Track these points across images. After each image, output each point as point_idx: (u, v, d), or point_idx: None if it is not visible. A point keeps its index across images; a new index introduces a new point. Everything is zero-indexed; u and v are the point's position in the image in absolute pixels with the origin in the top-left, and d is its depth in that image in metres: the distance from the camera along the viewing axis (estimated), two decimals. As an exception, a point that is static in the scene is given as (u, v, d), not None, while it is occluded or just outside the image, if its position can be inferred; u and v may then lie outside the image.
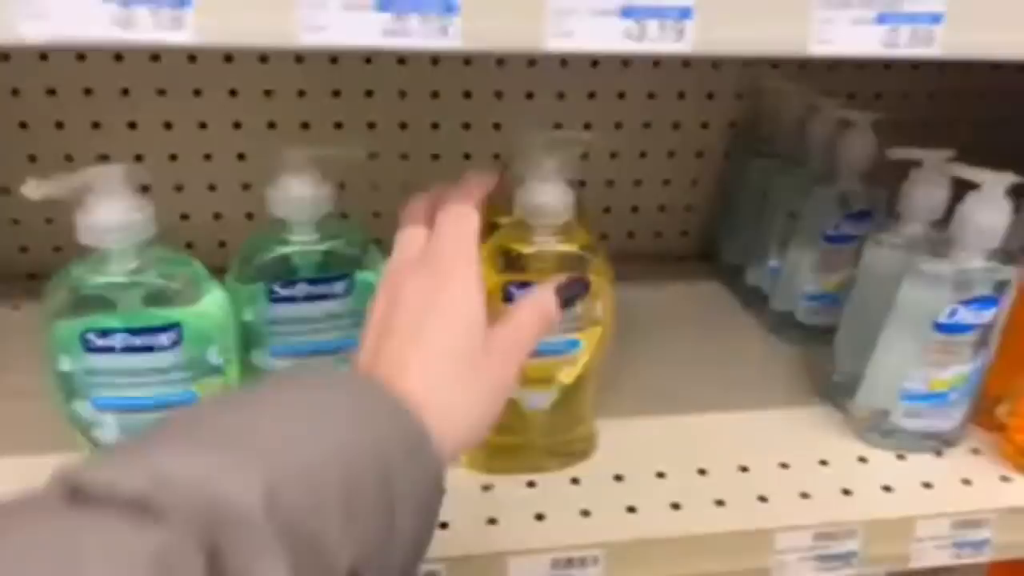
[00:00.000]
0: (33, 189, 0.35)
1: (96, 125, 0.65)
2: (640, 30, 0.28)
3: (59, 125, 0.65)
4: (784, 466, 0.52)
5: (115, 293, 0.38)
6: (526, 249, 0.44)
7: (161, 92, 0.64)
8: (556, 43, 0.27)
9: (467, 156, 0.69)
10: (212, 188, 0.69)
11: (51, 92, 0.64)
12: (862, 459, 0.53)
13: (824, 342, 0.59)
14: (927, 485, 0.51)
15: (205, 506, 0.23)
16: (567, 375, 0.48)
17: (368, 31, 0.27)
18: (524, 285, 0.42)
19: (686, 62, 0.71)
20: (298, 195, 0.41)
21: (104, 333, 0.38)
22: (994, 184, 0.46)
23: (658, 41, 0.28)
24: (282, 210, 0.42)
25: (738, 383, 0.60)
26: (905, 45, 0.29)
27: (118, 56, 0.63)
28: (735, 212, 0.72)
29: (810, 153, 0.63)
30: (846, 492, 0.50)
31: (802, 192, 0.62)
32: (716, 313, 0.71)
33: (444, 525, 0.45)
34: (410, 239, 0.36)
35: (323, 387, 0.30)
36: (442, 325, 0.32)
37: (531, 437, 0.49)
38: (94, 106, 0.65)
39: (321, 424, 0.27)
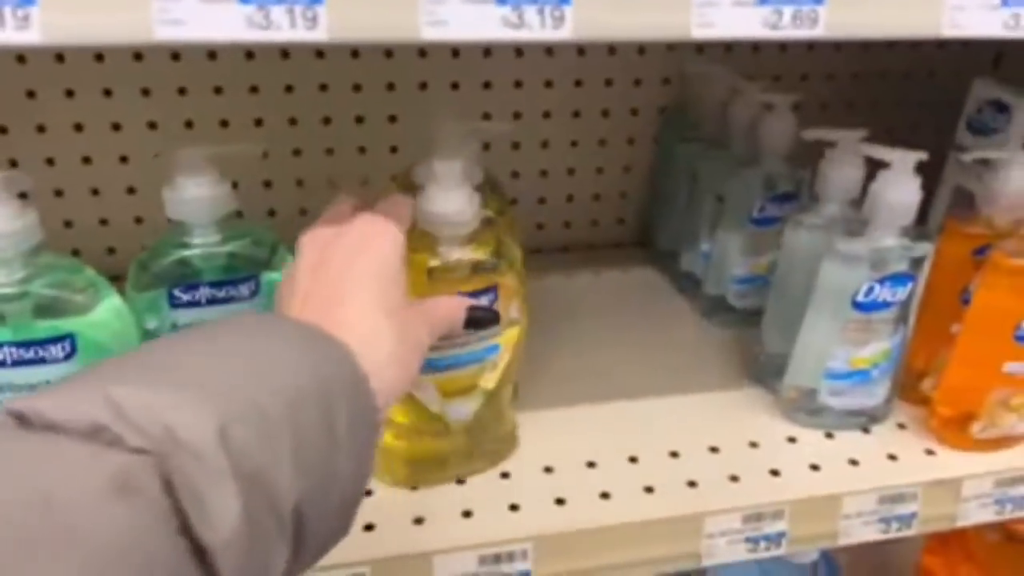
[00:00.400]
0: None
1: (2, 130, 0.63)
2: (518, 17, 0.27)
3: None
4: (714, 450, 0.52)
5: (2, 305, 0.36)
6: (432, 262, 0.42)
7: (69, 93, 0.62)
8: (431, 33, 0.27)
9: (393, 149, 0.68)
10: (131, 191, 0.67)
11: (-47, 97, 0.61)
12: (791, 439, 0.53)
13: (755, 324, 0.60)
14: (853, 462, 0.51)
15: (160, 436, 0.23)
16: (489, 380, 0.46)
17: (230, 24, 0.25)
18: None
19: (612, 48, 0.70)
20: (195, 196, 0.40)
21: (-9, 347, 0.36)
22: (903, 162, 0.47)
23: (538, 29, 0.28)
24: (179, 212, 0.40)
25: (670, 368, 0.60)
26: (788, 26, 0.29)
27: (20, 57, 0.60)
28: (667, 198, 0.72)
29: (734, 136, 0.63)
30: (774, 473, 0.50)
31: (728, 175, 0.62)
32: (650, 299, 0.71)
33: (370, 527, 0.44)
34: (336, 211, 0.37)
35: (267, 330, 0.30)
36: (371, 279, 0.33)
37: (456, 445, 0.48)
38: (-1, 110, 0.62)
39: (268, 366, 0.28)
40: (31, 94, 0.62)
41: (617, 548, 0.46)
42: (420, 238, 0.41)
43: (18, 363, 0.37)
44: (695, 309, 0.69)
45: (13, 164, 0.63)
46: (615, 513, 0.46)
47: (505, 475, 0.49)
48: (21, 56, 0.60)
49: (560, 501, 0.47)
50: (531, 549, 0.45)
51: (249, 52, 0.63)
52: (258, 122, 0.66)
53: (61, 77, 0.62)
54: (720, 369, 0.61)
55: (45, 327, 0.37)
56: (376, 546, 0.43)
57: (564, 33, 0.28)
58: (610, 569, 0.47)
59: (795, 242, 0.54)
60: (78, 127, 0.63)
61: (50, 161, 0.64)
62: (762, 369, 0.58)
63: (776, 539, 0.49)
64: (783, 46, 0.73)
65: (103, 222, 0.67)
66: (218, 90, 0.64)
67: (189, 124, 0.65)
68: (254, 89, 0.64)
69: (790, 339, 0.53)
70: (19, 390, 0.37)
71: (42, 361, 0.37)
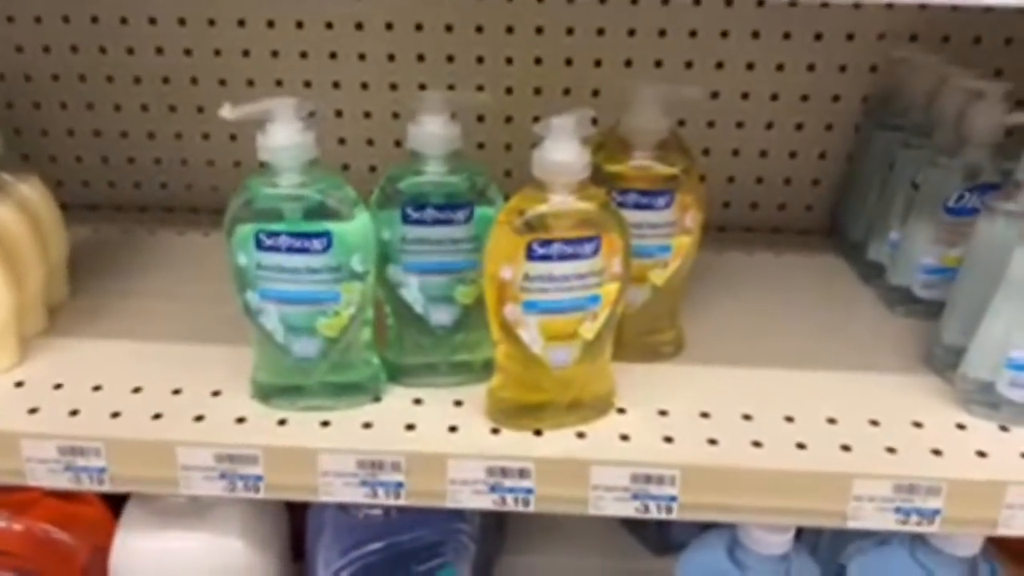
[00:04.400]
0: (227, 112, 0.44)
1: (274, 53, 0.75)
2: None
3: (250, 83, 0.77)
4: (874, 423, 0.53)
5: (282, 204, 0.47)
6: (541, 208, 0.45)
7: (328, 25, 0.74)
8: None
9: (595, 93, 0.74)
10: (367, 116, 0.77)
11: (245, 54, 0.76)
12: (960, 426, 0.53)
13: (940, 316, 0.59)
14: (1026, 456, 0.50)
15: None
16: (589, 331, 0.49)
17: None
18: (547, 243, 0.45)
19: (818, 35, 0.71)
20: (432, 132, 0.48)
21: (272, 235, 0.47)
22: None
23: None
24: (418, 144, 0.49)
25: (841, 346, 0.61)
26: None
27: None
28: (861, 186, 0.72)
29: (938, 126, 0.62)
30: (936, 452, 0.50)
31: (928, 164, 0.62)
32: (831, 285, 0.71)
33: (539, 432, 0.51)
34: None
35: None
36: None
37: (553, 396, 0.51)
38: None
39: None
40: (299, 24, 0.74)
41: (761, 491, 0.49)
42: (534, 187, 0.46)
43: (290, 249, 0.47)
44: (878, 298, 0.68)
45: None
46: (763, 459, 0.49)
47: (663, 413, 0.54)
48: None
49: (712, 441, 0.51)
50: (679, 476, 0.49)
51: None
52: (479, 59, 0.74)
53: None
54: (895, 354, 0.60)
55: (311, 225, 0.47)
56: (541, 448, 0.50)
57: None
58: (753, 511, 0.50)
59: (989, 229, 0.53)
60: (332, 55, 0.75)
61: (307, 84, 0.76)
62: (939, 357, 0.58)
63: (930, 515, 0.49)
64: (1008, 39, 0.70)
65: (341, 142, 0.79)
66: (448, 28, 0.73)
67: (421, 58, 0.74)
68: (479, 29, 0.72)
69: (970, 330, 0.53)
70: (288, 272, 0.48)
71: (306, 251, 0.47)
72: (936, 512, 0.49)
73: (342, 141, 0.78)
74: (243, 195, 0.47)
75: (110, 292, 0.67)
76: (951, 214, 0.61)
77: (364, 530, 0.60)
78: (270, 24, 0.74)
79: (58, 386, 0.55)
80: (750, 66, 0.73)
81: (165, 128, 0.80)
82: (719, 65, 0.73)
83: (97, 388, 0.54)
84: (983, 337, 0.52)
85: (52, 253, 0.61)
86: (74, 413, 0.52)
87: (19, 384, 0.55)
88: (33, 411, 0.52)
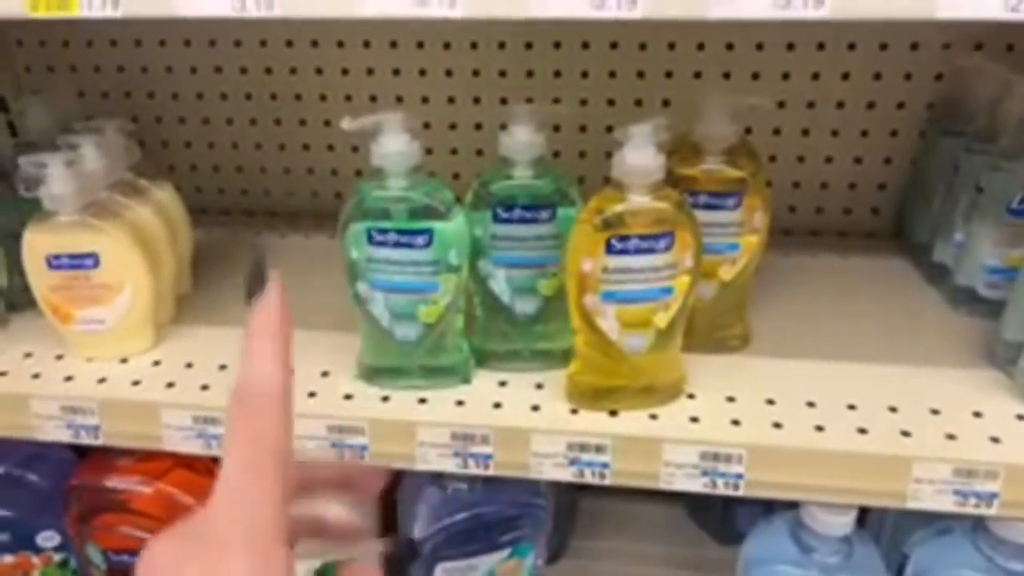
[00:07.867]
0: (347, 124, 0.50)
1: (369, 72, 0.83)
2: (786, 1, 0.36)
3: (347, 99, 0.84)
4: (935, 412, 0.56)
5: (391, 205, 0.53)
6: (619, 207, 0.50)
7: (419, 45, 0.81)
8: (717, 12, 0.37)
9: (666, 103, 0.79)
10: (452, 127, 0.84)
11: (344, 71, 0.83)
12: (1020, 416, 0.55)
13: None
14: (1085, 445, 0.52)
15: None
16: (662, 320, 0.53)
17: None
18: (624, 238, 0.50)
19: (883, 45, 0.74)
20: (519, 140, 0.54)
21: (382, 232, 0.53)
22: None
23: (802, 9, 0.37)
24: (508, 151, 0.54)
25: (904, 342, 0.64)
26: (1025, 9, 0.35)
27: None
28: (926, 190, 0.75)
29: (1002, 131, 0.65)
30: (994, 440, 0.53)
31: (991, 168, 0.64)
32: (897, 286, 0.74)
33: (614, 413, 0.56)
34: None
35: None
36: None
37: (628, 380, 0.55)
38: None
39: None
40: (393, 44, 0.82)
41: (824, 471, 0.53)
42: (613, 188, 0.51)
43: (397, 245, 0.53)
44: (943, 298, 0.71)
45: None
46: (825, 441, 0.53)
47: (731, 399, 0.58)
48: (394, 43, 0.81)
49: (777, 425, 0.55)
50: (746, 455, 0.53)
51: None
52: (557, 74, 0.79)
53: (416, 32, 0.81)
54: (958, 350, 0.63)
55: (416, 223, 0.53)
56: (616, 426, 0.55)
57: (825, 13, 0.36)
58: (816, 490, 0.53)
59: (1049, 229, 0.56)
60: (422, 72, 0.82)
61: (399, 99, 0.82)
62: (999, 356, 0.60)
63: (988, 498, 0.52)
64: (1076, 45, 0.72)
65: (454, 151, 0.85)
66: (528, 45, 0.79)
67: (503, 74, 0.81)
68: (557, 45, 0.78)
69: (1033, 325, 0.55)
70: (395, 264, 0.54)
71: (411, 246, 0.53)
72: (994, 496, 0.52)
73: (429, 151, 0.85)
74: (356, 197, 0.54)
75: (226, 286, 0.75)
76: (1014, 216, 0.63)
77: (452, 501, 0.65)
78: (366, 44, 0.82)
79: (189, 365, 0.62)
80: (815, 76, 0.76)
81: (270, 140, 0.88)
82: (785, 76, 0.77)
83: (223, 367, 0.62)
84: (1043, 332, 0.55)
85: (181, 250, 0.69)
86: (204, 388, 0.60)
87: (156, 363, 0.63)
88: (170, 385, 0.60)
